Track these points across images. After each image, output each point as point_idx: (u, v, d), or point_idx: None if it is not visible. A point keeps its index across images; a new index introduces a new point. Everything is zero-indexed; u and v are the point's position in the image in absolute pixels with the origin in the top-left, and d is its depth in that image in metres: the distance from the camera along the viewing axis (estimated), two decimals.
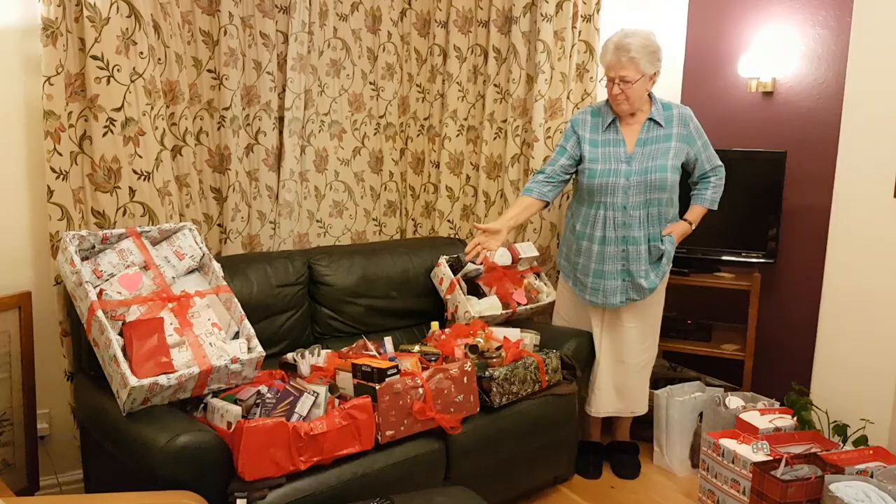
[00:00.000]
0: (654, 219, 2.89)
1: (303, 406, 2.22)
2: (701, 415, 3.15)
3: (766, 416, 2.92)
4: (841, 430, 2.87)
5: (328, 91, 3.44)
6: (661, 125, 2.88)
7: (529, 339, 2.84)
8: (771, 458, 2.60)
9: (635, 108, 2.86)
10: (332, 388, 2.41)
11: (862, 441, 2.80)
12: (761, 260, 3.33)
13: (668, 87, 3.79)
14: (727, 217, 3.39)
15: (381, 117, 3.66)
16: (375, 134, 3.65)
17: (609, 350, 3.02)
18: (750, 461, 2.58)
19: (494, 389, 2.56)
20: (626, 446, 3.21)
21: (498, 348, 2.71)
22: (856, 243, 2.92)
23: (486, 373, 2.56)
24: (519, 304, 3.09)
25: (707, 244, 3.43)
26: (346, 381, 2.42)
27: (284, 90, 3.19)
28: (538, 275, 3.30)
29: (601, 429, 3.26)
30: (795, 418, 2.91)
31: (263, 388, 2.32)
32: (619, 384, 3.04)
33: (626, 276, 2.89)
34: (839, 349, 2.99)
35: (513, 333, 2.82)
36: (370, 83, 3.60)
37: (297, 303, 2.91)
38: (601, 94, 3.44)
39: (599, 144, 2.90)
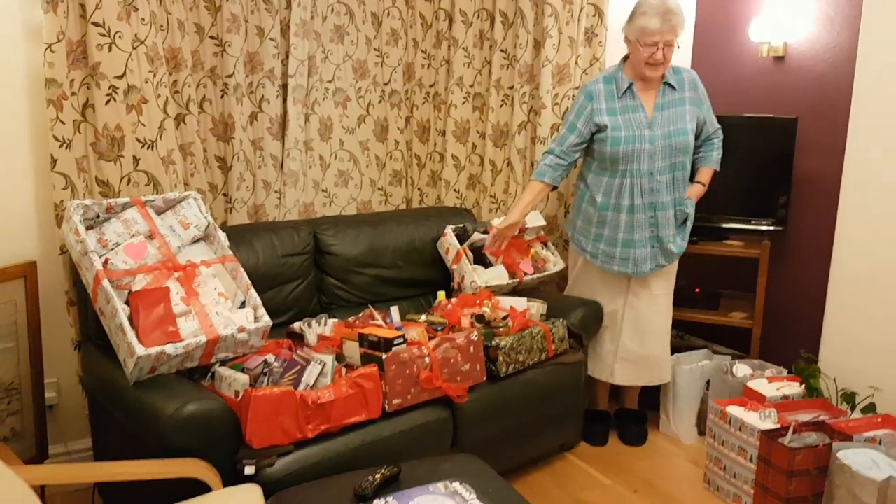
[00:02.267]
0: (680, 182, 2.89)
1: (310, 375, 2.22)
2: (708, 383, 3.15)
3: (773, 384, 2.92)
4: (849, 397, 2.87)
5: (332, 58, 3.39)
6: (675, 88, 2.87)
7: (536, 308, 2.83)
8: (778, 425, 2.60)
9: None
10: (339, 358, 2.41)
11: (870, 409, 2.79)
12: (771, 228, 3.30)
13: (679, 52, 3.71)
14: (737, 184, 3.36)
15: (385, 84, 3.61)
16: (380, 102, 3.61)
17: (633, 320, 2.99)
18: (757, 429, 2.58)
19: (501, 358, 2.55)
20: (635, 414, 3.22)
21: (504, 318, 2.70)
22: (867, 211, 2.88)
23: (493, 342, 2.56)
24: (526, 273, 3.07)
25: (716, 211, 3.39)
26: (352, 350, 2.41)
27: (288, 57, 3.14)
28: (545, 244, 3.28)
29: (608, 396, 3.26)
30: (803, 386, 2.91)
31: (270, 358, 2.32)
32: (646, 354, 3.02)
33: (656, 243, 2.89)
34: (848, 317, 2.97)
35: (519, 303, 2.81)
36: (374, 49, 3.54)
37: (304, 272, 2.90)
38: (610, 60, 3.39)
39: (618, 112, 2.84)
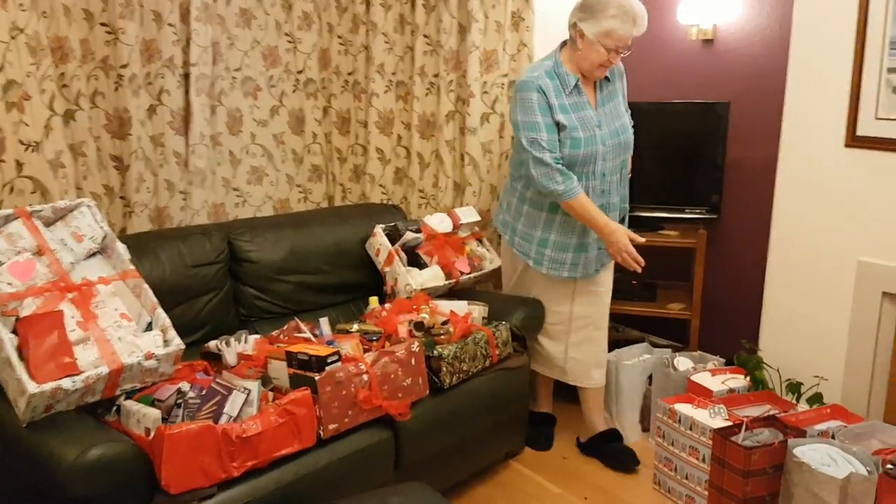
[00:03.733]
0: (624, 180, 2.78)
1: (232, 405, 1.97)
2: (650, 378, 3.06)
3: (717, 377, 2.84)
4: (794, 388, 2.83)
5: (239, 44, 3.11)
6: (609, 80, 2.72)
7: (478, 311, 2.65)
8: (730, 422, 2.52)
9: None
10: (265, 380, 2.16)
11: (817, 399, 2.76)
12: (705, 216, 3.23)
13: None
14: (669, 173, 3.28)
15: (299, 73, 3.34)
16: (294, 91, 3.34)
17: (581, 320, 2.83)
18: (709, 427, 2.49)
19: (444, 369, 2.36)
20: (608, 434, 2.97)
21: (445, 323, 2.51)
22: (804, 196, 2.84)
23: (435, 352, 2.36)
24: (462, 272, 2.88)
25: (650, 202, 3.30)
26: (279, 370, 2.16)
27: (189, 44, 2.86)
28: (480, 241, 3.10)
29: (552, 398, 3.12)
30: (748, 378, 2.85)
31: (185, 386, 2.05)
32: (596, 352, 2.88)
33: (603, 244, 2.70)
34: (788, 305, 2.93)
35: (460, 306, 2.63)
36: (286, 35, 3.27)
37: (218, 283, 2.61)
38: (538, 46, 3.25)
39: (570, 110, 2.61)
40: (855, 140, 2.67)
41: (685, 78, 3.47)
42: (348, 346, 2.27)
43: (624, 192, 2.77)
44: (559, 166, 2.55)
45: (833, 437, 2.39)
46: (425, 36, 3.24)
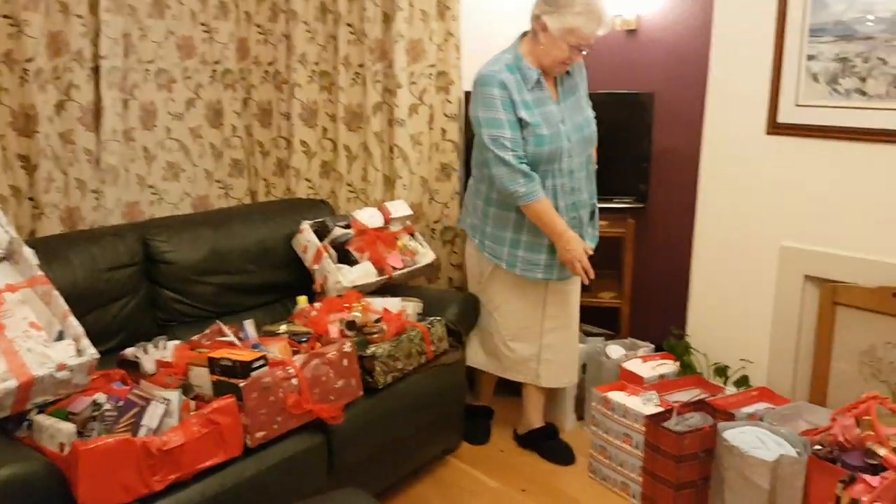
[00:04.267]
0: (592, 176, 2.70)
1: (151, 417, 1.86)
2: (584, 367, 3.06)
3: (648, 364, 2.88)
4: (722, 371, 2.88)
5: (151, 35, 2.99)
6: (569, 73, 2.62)
7: (412, 307, 2.59)
8: (661, 408, 2.54)
9: None
10: (186, 389, 2.05)
11: (743, 382, 2.82)
12: (633, 205, 3.26)
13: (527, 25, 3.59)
14: (597, 163, 3.28)
15: (216, 63, 3.22)
16: (212, 83, 3.21)
17: (554, 320, 2.76)
18: (642, 414, 2.51)
19: (378, 369, 2.30)
20: (545, 430, 2.95)
21: (378, 321, 2.44)
22: (727, 183, 2.89)
23: (368, 351, 2.30)
24: (395, 268, 2.81)
25: None
26: (201, 377, 2.06)
27: (98, 36, 2.73)
28: (412, 235, 3.03)
29: (492, 392, 3.09)
30: (677, 363, 2.89)
31: (101, 398, 1.93)
32: (567, 352, 2.84)
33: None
34: (713, 290, 2.98)
35: (393, 303, 2.56)
36: (201, 24, 3.14)
37: (133, 287, 2.48)
38: (465, 36, 3.20)
39: (533, 106, 2.51)
40: (776, 127, 2.72)
41: (610, 69, 3.48)
42: (276, 349, 2.18)
43: (592, 188, 2.70)
44: (522, 167, 2.45)
45: (761, 420, 2.44)
46: (348, 25, 3.15)
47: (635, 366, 2.86)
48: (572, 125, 2.56)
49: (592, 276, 2.57)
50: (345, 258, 2.75)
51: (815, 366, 2.69)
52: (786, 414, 2.51)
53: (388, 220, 2.91)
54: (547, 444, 2.89)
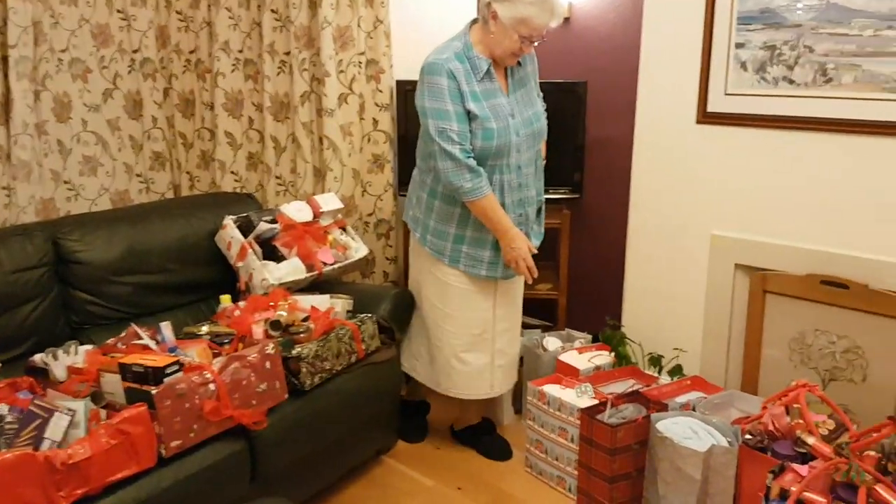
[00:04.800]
0: (540, 172, 2.61)
1: (55, 430, 1.74)
2: (522, 359, 3.03)
3: (584, 355, 2.85)
4: (656, 361, 2.88)
5: (64, 22, 2.84)
6: (520, 64, 2.52)
7: (341, 305, 2.51)
8: (596, 400, 2.52)
9: None
10: (96, 397, 1.94)
11: (677, 371, 2.82)
12: (568, 196, 3.22)
13: (463, 18, 3.52)
14: (544, 157, 3.24)
15: (135, 52, 3.07)
16: (130, 72, 3.07)
17: (504, 321, 2.68)
18: (576, 407, 2.48)
19: (304, 370, 2.21)
20: (482, 426, 2.90)
21: (305, 320, 2.35)
22: (659, 173, 2.88)
23: (293, 352, 2.20)
24: (325, 264, 2.72)
25: None
26: (113, 384, 1.95)
27: (6, 24, 2.59)
28: (344, 229, 2.94)
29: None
30: (613, 354, 2.87)
31: (2, 409, 1.81)
32: (516, 351, 2.78)
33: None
34: (647, 280, 2.98)
35: (321, 301, 2.47)
36: (118, 11, 2.99)
37: (43, 289, 2.33)
38: (394, 22, 3.12)
39: (482, 97, 2.40)
40: (706, 116, 2.71)
41: (543, 58, 3.40)
42: (193, 353, 2.08)
43: (540, 184, 2.62)
44: (469, 161, 2.34)
45: (694, 409, 2.44)
46: (273, 11, 3.03)
47: (571, 358, 2.83)
48: (522, 119, 2.46)
49: (536, 275, 2.51)
50: (271, 254, 2.65)
51: (746, 353, 2.70)
52: (718, 403, 2.51)
53: (317, 214, 2.80)
54: (484, 439, 2.84)
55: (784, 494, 1.90)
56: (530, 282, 2.56)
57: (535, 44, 2.39)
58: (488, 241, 2.51)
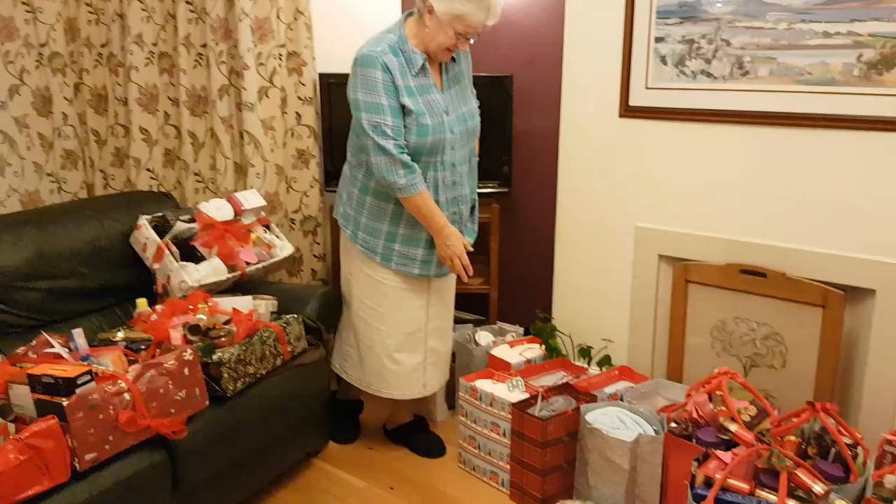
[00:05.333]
0: (474, 170, 2.57)
1: None
2: (454, 355, 3.01)
3: (516, 349, 2.86)
4: (585, 352, 2.91)
5: None
6: (454, 60, 2.47)
7: (265, 306, 2.44)
8: (527, 394, 2.52)
9: None
10: (5, 410, 1.83)
11: (605, 361, 2.86)
12: (497, 190, 3.22)
13: (386, 13, 3.49)
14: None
15: (42, 46, 2.91)
16: (38, 67, 2.91)
17: (437, 320, 2.64)
18: (508, 402, 2.48)
19: (226, 375, 2.14)
20: (415, 424, 2.88)
21: (226, 323, 2.27)
22: (584, 166, 2.90)
23: (214, 357, 2.12)
24: (248, 263, 2.64)
25: None
26: (22, 396, 1.84)
27: None
28: (267, 227, 2.85)
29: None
30: (543, 347, 2.89)
31: None
32: (448, 349, 2.74)
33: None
34: (575, 272, 3.00)
35: (243, 303, 2.40)
36: (23, 3, 2.83)
37: None
38: (315, 14, 3.05)
39: (417, 93, 2.35)
40: (628, 110, 2.75)
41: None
42: (108, 361, 1.98)
43: (473, 182, 2.58)
44: (403, 157, 2.29)
45: (622, 399, 2.47)
46: (188, 2, 2.92)
47: (502, 352, 2.84)
48: (456, 116, 2.42)
49: (472, 273, 2.49)
50: (190, 255, 2.55)
51: (670, 342, 2.75)
52: (644, 392, 2.56)
53: (238, 212, 2.72)
54: (417, 437, 2.82)
55: (709, 482, 1.94)
56: (466, 280, 2.54)
57: (472, 41, 2.36)
58: (422, 238, 2.47)
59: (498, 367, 2.74)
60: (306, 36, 3.06)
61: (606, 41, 2.74)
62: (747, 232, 2.56)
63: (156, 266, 2.52)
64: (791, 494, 1.85)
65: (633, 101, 2.73)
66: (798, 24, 2.36)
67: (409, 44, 2.34)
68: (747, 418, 2.20)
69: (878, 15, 2.20)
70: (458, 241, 2.44)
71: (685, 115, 2.63)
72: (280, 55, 3.00)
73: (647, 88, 2.69)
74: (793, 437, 2.10)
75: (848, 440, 2.05)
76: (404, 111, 2.31)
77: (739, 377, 2.33)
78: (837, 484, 1.91)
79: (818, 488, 1.84)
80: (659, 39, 2.65)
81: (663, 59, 2.65)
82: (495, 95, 3.15)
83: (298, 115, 3.14)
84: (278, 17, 2.94)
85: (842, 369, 2.46)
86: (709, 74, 2.58)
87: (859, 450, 2.05)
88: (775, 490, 1.86)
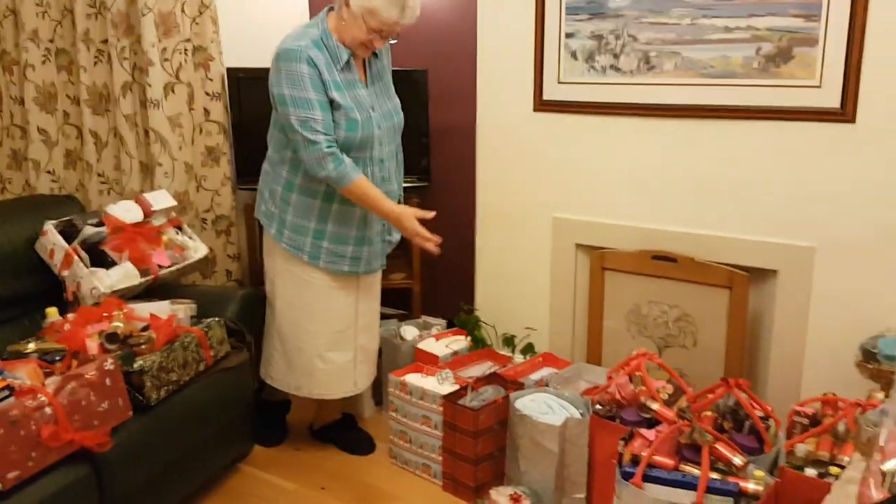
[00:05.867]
0: (401, 166, 2.55)
1: None
2: (380, 350, 3.01)
3: (442, 341, 2.89)
4: (509, 341, 2.97)
5: None
6: (377, 56, 2.44)
7: (184, 310, 2.36)
8: (457, 386, 2.56)
9: None
10: None
11: (529, 349, 2.93)
12: (417, 184, 3.24)
13: (295, 5, 3.44)
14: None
15: None
16: None
17: (366, 316, 2.61)
18: (439, 395, 2.50)
19: (148, 384, 2.06)
20: (343, 422, 2.85)
21: (145, 329, 2.19)
22: (502, 159, 2.95)
23: (135, 365, 2.04)
24: (161, 266, 2.55)
25: None
26: None
27: None
28: (179, 228, 2.76)
29: None
30: (469, 338, 2.93)
31: None
32: (377, 346, 2.71)
33: (387, 235, 2.53)
34: (497, 263, 3.06)
35: (161, 308, 2.31)
36: None
37: None
38: (221, 7, 2.98)
39: (344, 88, 2.30)
40: (542, 104, 2.81)
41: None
42: (23, 374, 1.87)
43: (400, 178, 2.56)
44: (333, 150, 2.25)
45: (547, 385, 2.54)
46: None
47: (429, 345, 2.86)
48: (382, 112, 2.41)
49: (439, 240, 2.44)
50: (100, 260, 2.43)
51: (589, 327, 2.85)
52: (567, 376, 2.64)
53: (148, 214, 2.61)
54: (345, 435, 2.80)
55: (636, 459, 2.02)
56: (436, 251, 2.47)
57: (391, 41, 2.35)
58: (350, 235, 2.44)
59: (425, 361, 2.76)
60: (212, 30, 2.98)
61: (519, 37, 2.79)
62: (658, 220, 2.68)
63: (65, 273, 2.39)
64: (712, 467, 1.96)
65: (547, 95, 2.79)
66: (700, 19, 2.48)
67: (333, 38, 2.30)
68: (665, 397, 2.30)
69: (774, 10, 2.34)
70: (411, 219, 2.39)
71: (596, 109, 2.72)
72: (186, 50, 2.91)
73: (559, 83, 2.77)
74: (709, 413, 2.22)
75: (760, 413, 2.19)
76: (333, 106, 2.28)
77: (657, 358, 2.44)
78: (753, 455, 2.04)
79: (738, 460, 1.96)
80: (569, 35, 2.72)
81: (574, 55, 2.73)
82: (410, 90, 3.14)
83: (207, 112, 3.06)
84: (183, 11, 2.85)
85: (749, 346, 2.61)
86: (617, 69, 2.67)
87: (771, 422, 2.19)
88: (698, 464, 1.95)
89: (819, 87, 2.32)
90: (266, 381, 2.67)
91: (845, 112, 2.29)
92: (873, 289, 2.35)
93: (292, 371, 2.59)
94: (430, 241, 2.42)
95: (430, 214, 2.41)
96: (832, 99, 2.31)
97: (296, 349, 2.55)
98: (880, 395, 2.07)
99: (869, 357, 2.14)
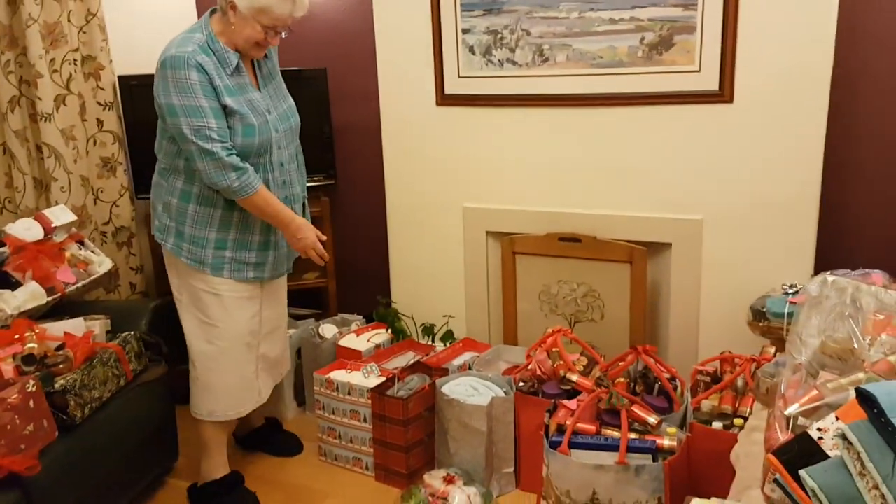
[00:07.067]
0: (302, 167, 2.50)
1: None
2: (298, 351, 3.02)
3: (362, 336, 2.93)
4: (428, 330, 3.05)
5: None
6: (267, 56, 2.38)
7: (99, 326, 2.30)
8: (383, 378, 2.61)
9: None
10: None
11: (448, 336, 3.02)
12: (323, 183, 3.26)
13: (184, 9, 3.37)
14: None
15: None
16: None
17: (270, 322, 2.52)
18: (367, 388, 2.55)
19: (72, 403, 2.01)
20: (267, 426, 2.83)
21: (60, 349, 2.12)
22: (409, 154, 3.03)
23: (56, 385, 1.98)
24: (67, 283, 2.46)
25: None
26: None
27: None
28: (82, 243, 2.67)
29: None
30: (389, 331, 2.99)
31: None
32: (282, 350, 2.64)
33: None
34: (410, 255, 3.13)
35: (75, 325, 2.24)
36: None
37: None
38: (109, 15, 2.92)
39: (237, 92, 2.22)
40: (444, 99, 2.90)
41: (281, 47, 3.40)
42: None
43: (303, 180, 2.52)
44: (232, 159, 2.15)
45: (470, 368, 2.64)
46: None
47: (350, 341, 2.89)
48: (278, 114, 2.35)
49: (328, 258, 2.44)
50: (4, 281, 2.33)
51: (504, 310, 2.97)
52: (488, 359, 2.75)
53: (49, 231, 2.51)
54: (271, 439, 2.79)
55: (561, 429, 2.15)
56: (322, 265, 2.48)
57: (283, 35, 2.33)
58: (254, 242, 2.37)
59: (348, 357, 2.80)
60: (101, 38, 2.91)
61: (416, 33, 2.87)
62: (562, 203, 2.82)
63: None
64: (630, 428, 2.11)
65: (448, 89, 2.89)
66: (587, 12, 2.63)
67: (220, 42, 2.22)
68: (581, 368, 2.45)
69: (655, 1, 2.51)
70: (310, 232, 2.36)
71: (496, 101, 2.83)
72: (75, 60, 2.82)
73: (459, 77, 2.86)
74: (622, 379, 2.39)
75: (667, 375, 2.37)
76: (227, 112, 2.21)
77: (570, 333, 2.59)
78: (665, 414, 2.21)
79: (652, 420, 2.12)
80: (466, 31, 2.82)
81: (472, 50, 2.83)
82: (310, 89, 3.17)
83: (100, 122, 2.97)
84: (69, 21, 2.76)
85: (650, 314, 2.81)
86: (514, 62, 2.79)
87: (677, 382, 2.37)
88: (617, 427, 2.11)
89: (699, 71, 2.52)
90: (200, 418, 2.45)
91: (723, 94, 2.50)
92: (756, 254, 2.58)
93: (211, 396, 2.42)
94: (322, 257, 2.41)
95: (323, 237, 2.41)
96: (711, 82, 2.51)
97: (207, 370, 2.40)
98: (772, 350, 2.28)
99: (758, 316, 2.35)
